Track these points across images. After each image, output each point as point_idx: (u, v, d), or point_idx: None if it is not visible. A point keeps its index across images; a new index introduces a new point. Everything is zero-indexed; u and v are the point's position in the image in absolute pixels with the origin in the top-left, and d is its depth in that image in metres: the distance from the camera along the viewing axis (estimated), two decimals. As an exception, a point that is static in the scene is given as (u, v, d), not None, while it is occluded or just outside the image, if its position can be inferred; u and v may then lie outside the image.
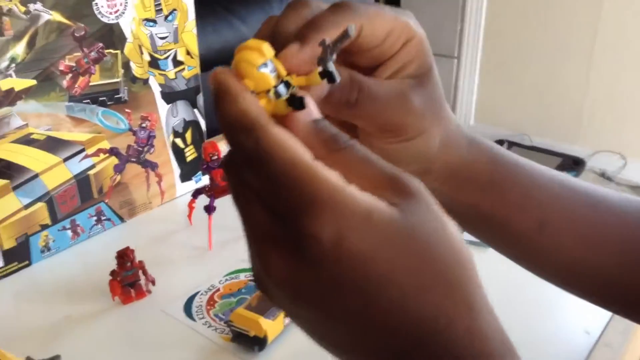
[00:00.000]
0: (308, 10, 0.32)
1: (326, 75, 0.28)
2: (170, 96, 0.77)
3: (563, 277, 0.43)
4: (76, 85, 0.68)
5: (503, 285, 0.65)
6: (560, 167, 2.25)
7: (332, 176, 0.25)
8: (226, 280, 0.65)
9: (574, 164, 2.28)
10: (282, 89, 0.28)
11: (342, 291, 0.25)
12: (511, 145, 2.41)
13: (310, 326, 0.27)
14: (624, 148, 2.43)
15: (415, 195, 0.26)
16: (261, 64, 0.28)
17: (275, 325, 0.56)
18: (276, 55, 0.29)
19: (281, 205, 0.24)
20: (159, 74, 0.75)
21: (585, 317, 0.59)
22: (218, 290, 0.64)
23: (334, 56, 0.28)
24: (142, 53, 0.73)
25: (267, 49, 0.28)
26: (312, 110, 0.27)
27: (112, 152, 0.73)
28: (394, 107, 0.34)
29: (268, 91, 0.28)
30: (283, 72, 0.28)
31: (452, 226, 0.27)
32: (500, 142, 2.41)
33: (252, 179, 0.25)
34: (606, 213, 0.41)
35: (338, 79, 0.28)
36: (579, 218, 0.40)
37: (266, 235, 0.25)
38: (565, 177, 0.42)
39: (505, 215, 0.40)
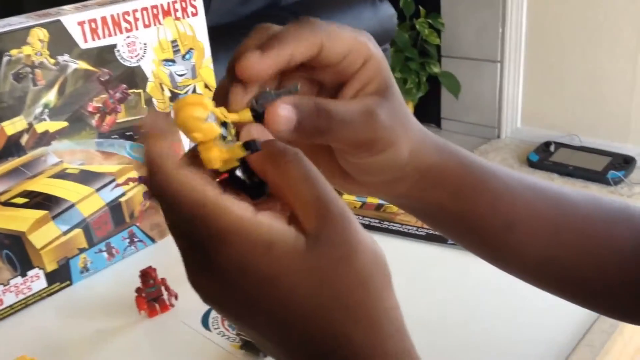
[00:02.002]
0: (272, 31, 0.34)
1: (256, 114, 0.33)
2: (191, 126, 0.85)
3: (533, 275, 0.45)
4: (104, 124, 0.76)
5: (485, 285, 0.69)
6: (610, 166, 2.22)
7: (238, 209, 0.28)
8: (241, 293, 0.72)
9: (624, 162, 2.25)
10: (223, 131, 0.33)
11: (252, 309, 0.29)
12: (558, 146, 2.40)
13: (239, 328, 0.33)
14: (676, 144, 2.36)
15: (332, 221, 0.29)
16: (206, 117, 0.31)
17: (278, 333, 0.62)
18: (235, 63, 0.33)
19: (194, 239, 0.29)
20: (180, 107, 0.83)
21: (568, 318, 0.62)
22: (233, 302, 0.70)
23: (269, 100, 0.33)
24: (163, 90, 0.81)
25: (209, 102, 0.32)
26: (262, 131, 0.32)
27: (141, 180, 0.81)
28: (363, 126, 0.36)
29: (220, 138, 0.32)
30: (221, 117, 0.32)
31: (362, 252, 0.29)
32: (547, 143, 2.40)
33: (169, 216, 0.30)
34: (570, 212, 0.43)
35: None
36: (545, 218, 0.42)
37: (191, 260, 0.30)
38: (531, 179, 0.44)
39: (475, 218, 0.42)
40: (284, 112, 0.33)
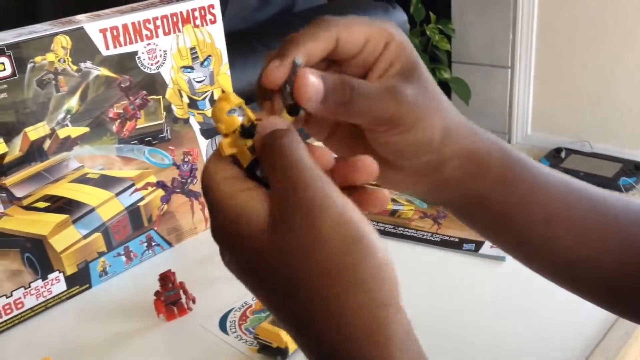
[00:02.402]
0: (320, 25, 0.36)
1: (291, 109, 0.34)
2: (208, 132, 0.86)
3: (564, 275, 0.44)
4: (124, 129, 0.77)
5: (499, 292, 0.70)
6: (621, 172, 2.22)
7: (224, 187, 0.33)
8: (258, 297, 0.73)
9: (635, 169, 2.25)
10: (250, 127, 0.34)
11: (242, 270, 0.34)
12: (569, 152, 2.40)
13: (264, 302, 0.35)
14: (687, 151, 2.35)
15: (293, 213, 0.31)
16: (228, 109, 0.34)
17: (295, 338, 0.62)
18: (261, 74, 0.35)
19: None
20: (198, 113, 0.84)
21: (583, 324, 0.63)
22: (250, 306, 0.71)
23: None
24: (181, 96, 0.82)
25: (234, 97, 0.34)
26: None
27: (159, 185, 0.82)
28: (385, 100, 0.36)
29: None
30: (252, 116, 0.34)
31: (332, 239, 0.30)
32: (557, 150, 2.40)
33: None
34: (606, 215, 0.42)
35: (301, 111, 0.34)
36: (581, 217, 0.42)
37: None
38: (568, 178, 0.44)
39: (515, 211, 0.41)
40: (312, 80, 0.34)
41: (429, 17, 2.70)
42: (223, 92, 0.84)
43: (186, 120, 0.83)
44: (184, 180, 0.85)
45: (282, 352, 0.62)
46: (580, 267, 0.43)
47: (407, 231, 0.84)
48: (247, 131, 0.34)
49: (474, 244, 0.79)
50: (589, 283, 0.44)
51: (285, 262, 0.31)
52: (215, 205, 0.33)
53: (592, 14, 2.42)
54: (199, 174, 0.86)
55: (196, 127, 0.84)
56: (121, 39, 0.75)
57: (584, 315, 0.64)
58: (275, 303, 0.33)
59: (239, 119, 0.34)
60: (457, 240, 0.80)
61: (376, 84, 0.37)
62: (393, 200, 0.93)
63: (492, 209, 0.41)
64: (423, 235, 0.83)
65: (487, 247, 0.78)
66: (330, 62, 0.38)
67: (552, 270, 0.44)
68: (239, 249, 0.33)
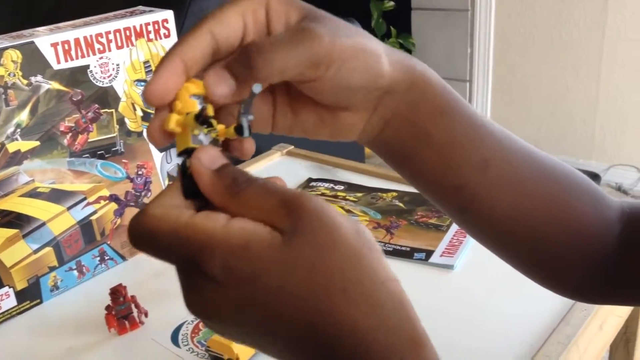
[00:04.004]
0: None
1: (238, 129, 0.34)
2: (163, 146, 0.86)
3: (498, 230, 0.43)
4: (76, 143, 0.77)
5: (448, 299, 0.71)
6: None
7: (210, 223, 0.30)
8: (212, 309, 0.73)
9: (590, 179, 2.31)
10: (202, 120, 0.33)
11: (250, 313, 0.30)
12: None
13: (243, 340, 0.33)
14: (639, 161, 2.44)
15: (304, 212, 0.30)
16: (194, 93, 0.34)
17: (246, 349, 0.63)
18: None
19: (180, 262, 0.31)
20: (152, 126, 0.84)
21: (526, 330, 0.65)
22: (203, 319, 0.72)
23: (249, 113, 0.33)
24: (135, 110, 0.82)
25: (203, 86, 0.34)
26: (211, 160, 0.32)
27: (112, 198, 0.82)
28: (301, 41, 0.34)
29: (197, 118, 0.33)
30: (211, 112, 0.34)
31: (344, 231, 0.30)
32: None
33: (154, 254, 0.32)
34: (540, 166, 0.42)
35: (246, 134, 0.33)
36: (517, 163, 0.41)
37: (186, 285, 0.31)
38: (503, 128, 0.43)
39: (453, 148, 0.40)
40: (212, 75, 0.33)
41: (389, 31, 2.75)
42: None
43: (140, 134, 0.83)
44: (138, 194, 0.85)
45: (233, 363, 0.62)
46: (515, 222, 0.42)
47: (361, 242, 0.85)
48: (203, 119, 0.33)
49: (424, 253, 0.80)
50: (521, 242, 0.43)
51: (312, 263, 0.29)
52: (201, 246, 0.30)
53: (546, 29, 2.49)
54: (153, 187, 0.86)
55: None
56: (73, 52, 0.75)
57: (528, 322, 0.66)
58: (302, 320, 0.30)
59: (197, 105, 0.34)
60: (408, 249, 0.82)
61: (283, 33, 0.35)
62: (348, 211, 0.94)
63: (433, 145, 0.40)
64: (376, 245, 0.84)
65: (437, 256, 0.79)
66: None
67: (486, 225, 0.43)
68: (261, 278, 0.29)
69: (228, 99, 0.34)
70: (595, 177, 2.32)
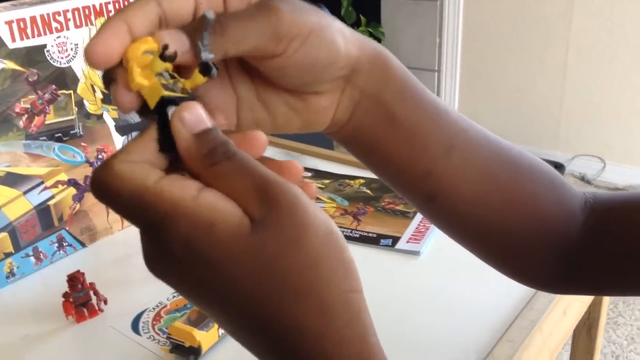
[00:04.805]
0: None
1: (204, 68, 0.31)
2: (124, 129, 0.84)
3: (462, 216, 0.43)
4: (32, 125, 0.74)
5: (413, 286, 0.71)
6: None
7: (178, 191, 0.28)
8: (174, 297, 0.71)
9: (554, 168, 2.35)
10: (166, 74, 0.31)
11: (205, 292, 0.29)
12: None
13: (202, 309, 0.31)
14: (603, 152, 2.49)
15: (277, 204, 0.28)
16: (145, 50, 0.30)
17: (209, 336, 0.62)
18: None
19: (141, 224, 0.29)
20: (112, 109, 0.82)
21: (491, 315, 0.65)
22: (165, 306, 0.70)
23: (208, 49, 0.31)
24: (94, 91, 0.79)
25: (153, 42, 0.30)
26: (195, 121, 0.30)
27: (70, 183, 0.79)
28: (260, 18, 0.33)
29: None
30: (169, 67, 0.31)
31: (313, 233, 0.28)
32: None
33: (116, 210, 0.30)
34: (502, 152, 0.42)
35: (214, 71, 0.31)
36: (479, 149, 0.41)
37: (145, 246, 0.30)
38: (461, 114, 0.43)
39: (420, 130, 0.40)
40: (166, 32, 0.31)
41: (359, 20, 2.74)
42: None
43: (99, 116, 0.81)
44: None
45: (195, 351, 0.61)
46: (479, 207, 0.42)
47: (327, 228, 0.84)
48: (168, 55, 0.30)
49: (391, 240, 0.80)
50: (484, 228, 0.43)
51: (272, 259, 0.28)
52: (165, 215, 0.28)
53: (514, 21, 2.51)
54: (114, 171, 0.84)
55: (111, 123, 0.82)
56: (29, 31, 0.72)
57: (492, 307, 0.66)
58: (266, 310, 0.29)
59: (150, 58, 0.30)
60: (375, 236, 0.81)
61: (244, 8, 0.33)
62: (317, 198, 0.93)
63: (401, 128, 0.40)
64: (343, 231, 0.83)
65: (403, 243, 0.79)
66: None
67: (450, 212, 0.43)
68: (220, 264, 0.28)
69: (184, 55, 0.31)
70: (559, 167, 2.35)
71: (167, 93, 0.30)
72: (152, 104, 0.31)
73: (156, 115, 0.31)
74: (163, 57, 0.30)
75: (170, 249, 0.28)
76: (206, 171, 0.29)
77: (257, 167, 0.29)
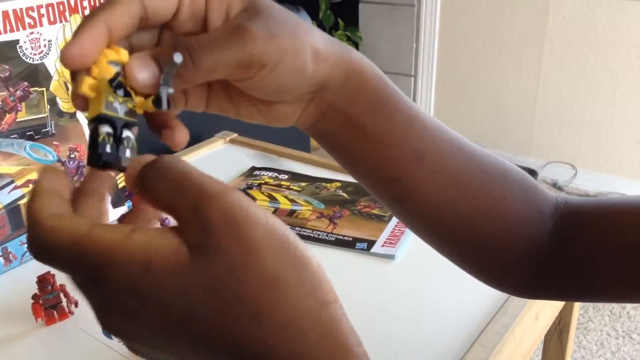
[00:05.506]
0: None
1: (156, 101, 0.32)
2: (98, 128, 0.82)
3: (431, 221, 0.43)
4: (3, 122, 0.73)
5: (390, 289, 0.71)
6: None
7: (110, 235, 0.27)
8: (146, 299, 0.70)
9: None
10: (120, 92, 0.31)
11: (158, 335, 0.27)
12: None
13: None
14: (575, 159, 2.52)
15: (216, 232, 0.26)
16: (112, 60, 0.31)
17: (182, 339, 0.61)
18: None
19: (81, 279, 0.28)
20: (86, 108, 0.80)
21: (465, 319, 0.65)
22: (137, 308, 0.69)
23: (169, 86, 0.32)
24: (67, 89, 0.78)
25: (124, 53, 0.32)
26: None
27: (42, 182, 0.77)
28: (235, 43, 0.33)
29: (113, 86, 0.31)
30: (128, 83, 0.32)
31: (265, 251, 0.27)
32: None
33: (53, 265, 0.28)
34: (473, 160, 0.42)
35: (164, 107, 0.32)
36: (450, 157, 0.41)
37: (90, 299, 0.29)
38: (441, 123, 0.43)
39: (388, 141, 0.40)
40: (137, 59, 0.32)
41: (337, 24, 2.74)
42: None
43: (72, 115, 0.79)
44: (70, 179, 0.81)
45: (167, 354, 0.60)
46: (448, 214, 0.42)
47: (304, 231, 0.84)
48: (118, 83, 0.31)
49: (366, 243, 0.80)
50: (453, 233, 0.43)
51: (222, 285, 0.26)
52: (100, 261, 0.27)
53: (489, 27, 2.54)
54: (86, 171, 0.82)
55: (84, 122, 0.81)
56: (1, 26, 0.70)
57: (465, 312, 0.66)
58: (218, 339, 0.27)
59: (113, 72, 0.31)
60: (350, 239, 0.81)
61: (218, 30, 0.33)
62: (292, 200, 0.93)
63: (369, 137, 0.40)
64: (319, 235, 0.83)
65: (379, 247, 0.79)
66: (163, 29, 0.35)
67: (418, 216, 0.43)
68: (168, 300, 0.26)
69: (148, 87, 0.32)
70: (532, 173, 2.38)
71: (106, 112, 0.31)
72: (90, 115, 0.32)
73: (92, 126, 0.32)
74: (111, 82, 0.31)
75: (110, 293, 0.27)
76: (144, 195, 0.29)
77: (192, 183, 0.27)
